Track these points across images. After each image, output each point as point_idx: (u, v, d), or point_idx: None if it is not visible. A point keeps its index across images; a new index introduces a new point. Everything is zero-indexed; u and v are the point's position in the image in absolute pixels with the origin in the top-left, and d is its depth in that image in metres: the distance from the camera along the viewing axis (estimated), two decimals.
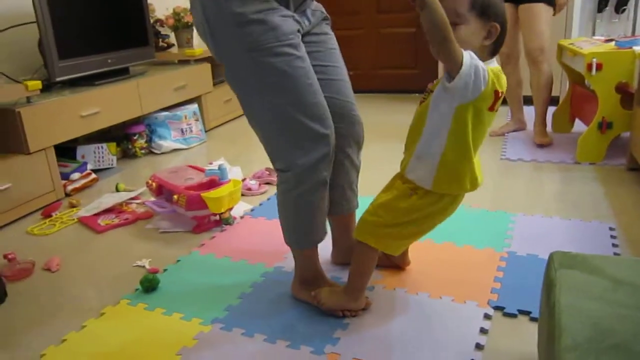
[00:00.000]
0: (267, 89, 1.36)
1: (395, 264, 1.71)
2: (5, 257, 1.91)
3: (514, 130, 3.32)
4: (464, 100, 1.23)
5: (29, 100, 2.44)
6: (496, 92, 1.24)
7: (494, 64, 1.29)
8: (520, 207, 2.18)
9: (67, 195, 2.59)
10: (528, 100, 3.25)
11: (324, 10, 1.57)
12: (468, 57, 1.19)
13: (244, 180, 2.51)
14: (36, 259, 1.93)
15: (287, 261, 1.79)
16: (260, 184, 2.48)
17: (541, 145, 2.96)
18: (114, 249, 2.03)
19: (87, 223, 2.25)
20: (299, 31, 1.40)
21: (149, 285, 1.67)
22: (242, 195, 2.37)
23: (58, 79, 2.68)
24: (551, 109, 3.38)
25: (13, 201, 2.30)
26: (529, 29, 2.91)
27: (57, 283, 1.81)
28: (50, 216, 2.35)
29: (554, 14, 2.92)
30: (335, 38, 1.60)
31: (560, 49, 3.08)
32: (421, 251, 1.84)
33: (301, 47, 1.39)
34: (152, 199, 2.32)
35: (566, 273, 1.10)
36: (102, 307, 1.62)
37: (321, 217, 1.51)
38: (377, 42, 4.67)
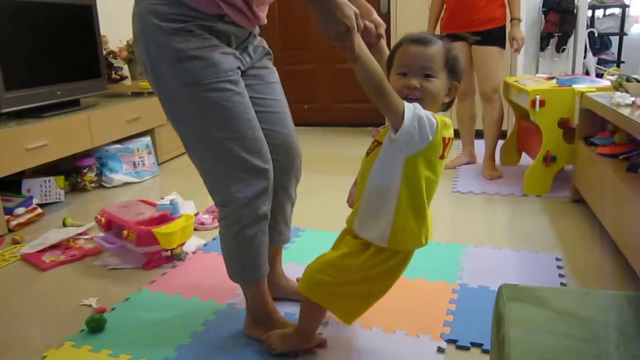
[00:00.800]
0: (206, 124, 1.37)
1: None
2: None
3: (465, 164, 3.41)
4: (413, 151, 1.22)
5: None
6: (444, 140, 1.24)
7: (441, 113, 1.30)
8: (471, 239, 2.22)
9: (10, 230, 2.49)
10: (478, 134, 3.35)
11: (265, 45, 1.60)
12: (411, 108, 1.19)
13: (196, 214, 2.48)
14: None
15: (240, 297, 1.75)
16: (213, 218, 2.44)
17: (491, 179, 3.06)
18: (60, 287, 1.95)
19: (30, 260, 2.16)
20: (239, 68, 1.43)
21: (95, 325, 1.61)
22: (195, 229, 2.33)
23: (4, 110, 2.60)
24: (500, 143, 3.51)
25: None
26: (483, 71, 3.04)
27: None
28: None
29: (514, 52, 3.09)
30: (276, 72, 1.62)
31: (507, 85, 3.21)
32: None
33: (240, 84, 1.41)
34: (101, 234, 2.25)
35: (514, 306, 1.12)
36: (44, 349, 1.54)
37: (263, 252, 1.50)
38: (333, 76, 4.76)
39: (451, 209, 2.63)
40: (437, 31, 3.14)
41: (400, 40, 1.30)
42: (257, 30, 1.57)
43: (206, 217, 2.42)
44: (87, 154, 3.15)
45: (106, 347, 1.53)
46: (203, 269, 2.03)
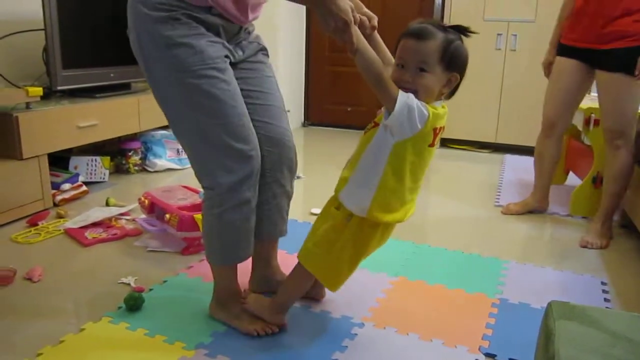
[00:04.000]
0: (192, 109, 1.41)
1: (311, 297, 1.70)
2: None
3: (532, 211, 2.74)
4: (401, 138, 1.28)
5: (28, 106, 2.42)
6: (435, 130, 1.29)
7: (439, 104, 1.33)
8: (513, 255, 2.17)
9: (56, 205, 2.54)
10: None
11: (261, 41, 1.64)
12: (403, 98, 1.24)
13: None
14: (18, 268, 1.88)
15: None
16: None
17: (591, 248, 2.30)
18: (99, 264, 1.98)
19: (73, 235, 2.20)
20: (227, 57, 1.46)
21: (133, 304, 1.63)
22: None
23: (59, 88, 2.66)
24: None
25: (0, 206, 2.25)
26: (604, 105, 2.30)
27: (38, 294, 1.75)
28: (36, 225, 2.30)
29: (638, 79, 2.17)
30: (272, 67, 1.66)
31: None
32: (412, 291, 1.82)
33: (227, 72, 1.44)
34: (143, 216, 2.28)
35: (565, 324, 1.09)
36: (82, 322, 1.57)
37: (243, 237, 1.52)
38: None
39: (492, 223, 2.58)
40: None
41: (403, 32, 1.32)
42: (251, 26, 1.62)
43: None
44: (133, 137, 3.20)
45: (142, 327, 1.55)
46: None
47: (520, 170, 3.53)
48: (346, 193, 1.38)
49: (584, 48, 2.32)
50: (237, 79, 1.49)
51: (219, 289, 1.59)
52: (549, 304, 1.17)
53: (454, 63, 1.29)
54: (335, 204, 1.42)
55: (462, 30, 1.31)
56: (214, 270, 1.58)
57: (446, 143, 4.22)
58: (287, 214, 1.69)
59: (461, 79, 1.34)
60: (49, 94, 2.71)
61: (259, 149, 1.47)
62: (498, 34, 3.85)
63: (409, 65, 1.28)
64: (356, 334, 1.54)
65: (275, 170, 1.58)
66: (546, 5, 3.68)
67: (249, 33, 1.60)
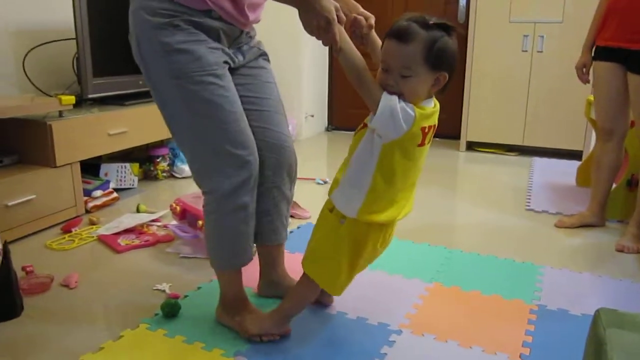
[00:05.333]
0: (190, 115, 1.42)
1: (320, 301, 1.70)
2: (23, 269, 1.88)
3: (587, 225, 2.54)
4: (388, 139, 1.27)
5: (60, 114, 2.45)
6: (423, 129, 1.27)
7: (430, 104, 1.30)
8: (548, 260, 2.13)
9: (88, 212, 2.57)
10: None
11: (262, 47, 1.65)
12: (386, 100, 1.23)
13: None
14: (54, 274, 1.90)
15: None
16: None
17: (627, 252, 2.24)
18: (134, 270, 2.00)
19: (106, 241, 2.22)
20: (226, 62, 1.47)
21: (170, 310, 1.63)
22: None
23: (90, 96, 2.70)
24: (576, 163, 3.37)
25: (35, 213, 2.29)
26: (636, 107, 2.25)
27: (75, 300, 1.77)
28: (70, 232, 2.33)
29: None
30: (272, 73, 1.66)
31: (589, 104, 3.07)
32: (448, 297, 1.80)
33: (226, 78, 1.45)
34: (174, 222, 2.30)
35: (616, 332, 1.06)
36: (120, 329, 1.58)
37: (242, 242, 1.53)
38: None
39: (525, 227, 2.54)
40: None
41: (386, 33, 1.29)
42: (253, 31, 1.62)
43: None
44: (161, 143, 3.23)
45: (180, 334, 1.55)
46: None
47: (550, 173, 3.48)
48: (338, 194, 1.38)
49: (617, 47, 2.28)
50: (236, 84, 1.49)
51: (223, 294, 1.61)
52: (597, 312, 1.14)
53: (440, 62, 1.25)
54: (329, 206, 1.42)
55: (447, 29, 1.27)
56: (218, 275, 1.60)
57: (473, 146, 4.18)
58: (287, 219, 1.70)
59: (451, 76, 1.29)
60: (80, 102, 2.74)
61: (258, 155, 1.48)
62: (524, 36, 3.80)
63: (392, 70, 1.25)
64: (394, 341, 1.52)
65: (276, 176, 1.58)
66: (574, 6, 3.63)
67: (251, 38, 1.60)
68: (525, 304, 1.76)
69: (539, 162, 3.82)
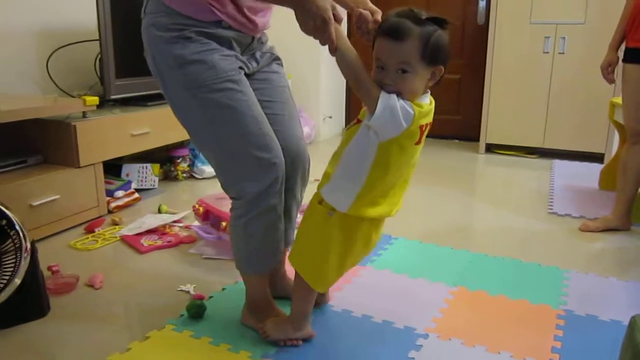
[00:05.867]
0: (212, 123, 1.41)
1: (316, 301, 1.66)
2: (49, 269, 1.90)
3: (612, 229, 2.49)
4: (387, 137, 1.26)
5: (84, 115, 2.47)
6: (421, 127, 1.27)
7: (426, 100, 1.30)
8: (573, 264, 2.11)
9: (110, 212, 2.59)
10: None
11: (275, 51, 1.65)
12: (385, 98, 1.22)
13: None
14: (78, 274, 1.91)
15: (336, 300, 1.75)
16: None
17: None
18: (157, 271, 2.01)
19: (129, 242, 2.23)
20: (241, 68, 1.47)
21: (196, 311, 1.63)
22: None
23: (113, 97, 2.71)
24: (599, 166, 3.33)
25: (59, 213, 2.30)
26: None
27: (101, 300, 1.78)
28: (93, 232, 2.34)
29: None
30: (285, 77, 1.66)
31: (613, 106, 3.04)
32: (474, 302, 1.78)
33: (242, 83, 1.44)
34: (196, 223, 2.30)
35: None
36: (146, 330, 1.58)
37: (271, 246, 1.52)
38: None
39: (549, 231, 2.51)
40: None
41: (378, 30, 1.29)
42: (265, 36, 1.62)
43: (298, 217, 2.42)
44: (181, 144, 3.24)
45: (206, 335, 1.55)
46: None
47: (572, 176, 3.44)
48: (328, 189, 1.37)
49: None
50: (252, 89, 1.49)
51: (250, 297, 1.61)
52: (633, 318, 1.12)
53: (436, 56, 1.25)
54: (318, 198, 1.41)
55: (440, 22, 1.25)
56: (244, 278, 1.60)
57: (492, 148, 4.15)
58: (296, 222, 1.70)
59: (445, 68, 1.29)
60: (102, 103, 2.76)
61: (283, 158, 1.47)
62: (546, 37, 3.76)
63: (388, 68, 1.24)
64: (421, 345, 1.51)
65: (289, 178, 1.57)
66: (597, 7, 3.59)
67: (263, 43, 1.61)
68: (553, 309, 1.74)
69: (559, 164, 3.78)
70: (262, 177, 1.43)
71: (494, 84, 3.98)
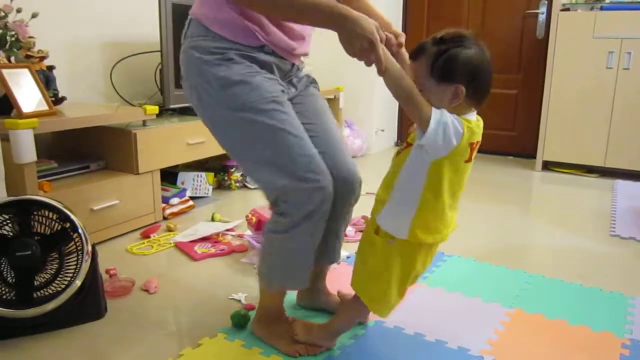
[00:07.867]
0: (257, 145, 1.39)
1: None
2: (107, 272, 1.95)
3: None
4: (438, 156, 1.25)
5: (144, 123, 2.54)
6: (471, 144, 1.26)
7: (473, 117, 1.29)
8: (638, 291, 2.00)
9: (165, 218, 2.65)
10: None
11: (310, 74, 1.65)
12: (437, 115, 1.21)
13: None
14: (134, 278, 1.96)
15: (389, 316, 1.72)
16: (356, 231, 2.44)
17: None
18: (210, 278, 2.03)
19: (183, 249, 2.28)
20: (283, 91, 1.46)
21: (239, 321, 1.64)
22: None
23: (172, 106, 2.79)
24: None
25: (117, 218, 2.38)
26: None
27: (155, 305, 1.82)
28: (149, 237, 2.40)
29: None
30: (322, 99, 1.65)
31: None
32: (531, 325, 1.72)
33: (286, 105, 1.43)
34: (249, 232, 2.32)
35: None
36: (199, 337, 1.60)
37: (306, 265, 1.51)
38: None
39: (611, 254, 2.40)
40: None
41: None
42: (302, 64, 1.62)
43: (349, 230, 2.41)
44: None
45: (257, 345, 1.55)
46: (348, 280, 2.01)
47: (636, 197, 3.29)
48: (384, 216, 1.36)
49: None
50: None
51: (265, 308, 1.60)
52: None
53: (449, 74, 1.23)
54: (374, 226, 1.40)
55: (461, 40, 1.23)
56: (264, 290, 1.58)
57: (549, 166, 4.02)
58: (342, 240, 1.71)
59: (474, 87, 1.24)
60: (161, 112, 2.84)
61: (331, 178, 1.43)
62: (609, 52, 3.63)
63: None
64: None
65: (339, 200, 1.50)
66: None
67: (299, 70, 1.62)
68: (617, 338, 1.65)
69: (622, 184, 3.62)
70: (310, 201, 1.38)
71: (553, 100, 3.86)
